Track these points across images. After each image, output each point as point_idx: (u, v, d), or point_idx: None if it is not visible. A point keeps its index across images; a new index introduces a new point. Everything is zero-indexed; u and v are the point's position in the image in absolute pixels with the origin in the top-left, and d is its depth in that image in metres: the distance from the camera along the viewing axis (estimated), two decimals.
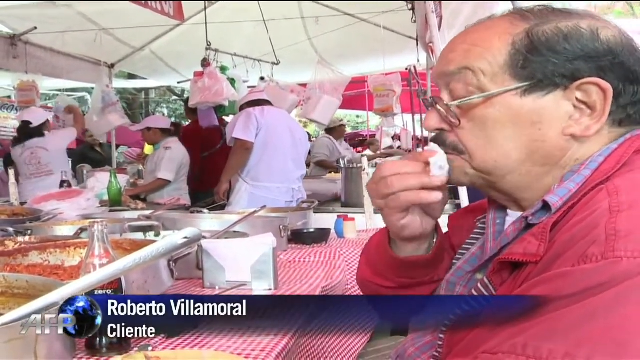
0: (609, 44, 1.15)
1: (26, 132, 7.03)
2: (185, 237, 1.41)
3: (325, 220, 4.33)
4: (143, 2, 5.53)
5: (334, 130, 9.83)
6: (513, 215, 1.27)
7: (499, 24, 1.22)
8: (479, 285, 1.18)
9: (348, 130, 23.99)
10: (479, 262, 1.31)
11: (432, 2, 4.34)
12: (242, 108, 6.09)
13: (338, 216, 4.20)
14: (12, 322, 1.26)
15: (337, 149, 9.67)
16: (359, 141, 22.89)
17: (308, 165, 10.58)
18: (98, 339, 1.56)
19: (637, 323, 0.88)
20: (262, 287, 2.31)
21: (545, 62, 1.14)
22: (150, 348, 1.57)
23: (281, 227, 3.23)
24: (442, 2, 5.12)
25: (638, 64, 1.16)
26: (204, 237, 2.40)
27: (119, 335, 1.55)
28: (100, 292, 1.53)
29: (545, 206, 1.12)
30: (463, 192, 4.42)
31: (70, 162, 8.31)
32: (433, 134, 1.28)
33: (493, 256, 1.22)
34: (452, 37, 1.31)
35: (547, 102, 1.14)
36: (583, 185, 1.11)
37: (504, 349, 0.95)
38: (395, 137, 15.89)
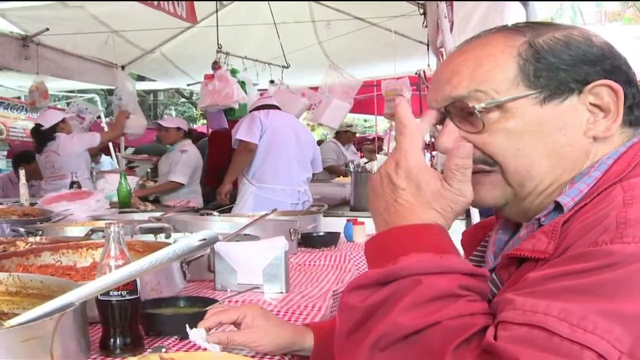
0: (604, 49, 1.20)
1: (38, 134, 7.11)
2: (202, 240, 1.41)
3: (333, 224, 4.33)
4: (155, 3, 5.54)
5: (340, 134, 9.82)
6: (524, 226, 1.28)
7: (494, 40, 1.23)
8: (489, 282, 1.19)
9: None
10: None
11: (444, 7, 4.33)
12: (250, 112, 6.15)
13: (347, 220, 4.19)
14: (29, 322, 1.26)
15: (343, 153, 9.67)
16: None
17: None
18: (112, 340, 1.57)
19: (637, 296, 0.90)
20: (273, 290, 2.31)
21: (555, 69, 1.16)
22: (163, 350, 1.57)
23: (291, 230, 3.24)
24: (454, 7, 5.12)
25: (627, 67, 1.21)
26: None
27: (132, 337, 1.58)
28: (116, 293, 1.54)
29: (557, 207, 1.14)
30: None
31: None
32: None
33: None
34: (453, 51, 1.30)
35: (566, 107, 1.17)
36: (594, 186, 1.13)
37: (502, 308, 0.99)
38: None
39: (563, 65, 1.16)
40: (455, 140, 1.21)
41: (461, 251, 1.49)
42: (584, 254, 0.97)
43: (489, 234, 1.43)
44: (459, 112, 1.21)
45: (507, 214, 1.29)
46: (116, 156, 11.39)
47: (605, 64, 1.18)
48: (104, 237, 2.68)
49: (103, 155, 11.08)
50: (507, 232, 1.36)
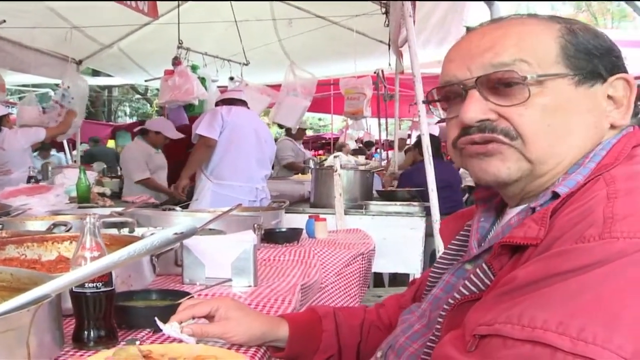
0: (619, 49, 1.27)
1: None
2: (180, 232, 1.41)
3: (293, 220, 4.34)
4: None
5: (291, 132, 9.87)
6: (511, 212, 1.32)
7: (531, 21, 1.27)
8: (478, 271, 1.21)
9: (310, 133, 24.00)
10: (467, 256, 1.37)
11: (409, 6, 4.37)
12: (216, 105, 6.13)
13: (309, 216, 4.21)
14: (6, 313, 1.25)
15: (302, 150, 9.71)
16: (322, 144, 22.95)
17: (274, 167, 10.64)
18: (86, 332, 1.55)
19: (629, 296, 0.91)
20: (242, 284, 2.31)
21: (591, 54, 1.22)
22: (137, 342, 1.57)
23: (255, 225, 3.23)
24: (416, 6, 5.18)
25: None
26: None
27: (106, 329, 1.57)
28: (91, 285, 1.53)
29: (554, 197, 1.17)
30: (433, 194, 4.45)
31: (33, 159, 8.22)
32: (476, 124, 1.25)
33: (488, 249, 1.27)
34: (481, 26, 1.32)
35: (593, 93, 1.22)
36: (588, 177, 1.16)
37: (501, 319, 0.98)
38: (358, 141, 15.98)
39: (597, 53, 1.22)
40: (484, 111, 1.24)
41: (439, 240, 1.54)
42: (570, 251, 0.99)
43: (469, 223, 1.46)
44: (497, 82, 1.22)
45: (509, 191, 1.31)
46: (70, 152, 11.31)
47: (621, 59, 1.26)
48: (66, 231, 2.69)
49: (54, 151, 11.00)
50: (489, 219, 1.40)
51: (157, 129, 7.27)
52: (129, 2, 5.67)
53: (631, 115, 1.27)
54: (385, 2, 6.63)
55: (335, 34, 8.36)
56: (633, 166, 1.14)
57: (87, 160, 10.58)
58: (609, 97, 1.24)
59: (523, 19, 1.29)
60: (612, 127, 1.24)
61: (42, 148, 11.40)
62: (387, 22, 6.73)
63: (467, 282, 1.23)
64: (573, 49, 1.21)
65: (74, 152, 11.47)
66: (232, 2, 7.05)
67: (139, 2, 5.82)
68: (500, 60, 1.22)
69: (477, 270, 1.21)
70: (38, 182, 5.50)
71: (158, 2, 6.30)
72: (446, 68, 1.32)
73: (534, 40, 1.22)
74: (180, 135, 7.21)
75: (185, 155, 6.66)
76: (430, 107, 1.41)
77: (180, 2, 7.03)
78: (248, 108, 6.25)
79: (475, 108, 1.23)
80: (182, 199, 5.87)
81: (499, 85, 1.22)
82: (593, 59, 1.22)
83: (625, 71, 1.25)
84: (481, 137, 1.24)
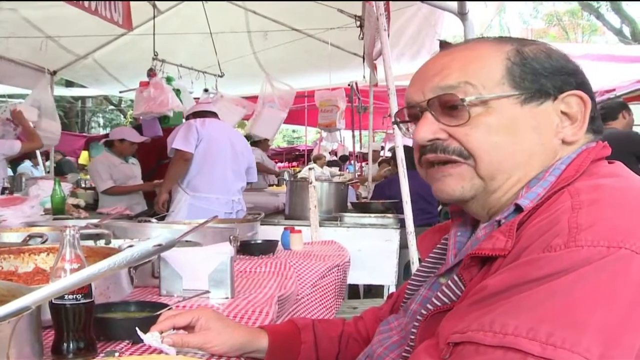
0: (577, 66, 1.33)
1: None
2: (158, 245, 1.42)
3: (268, 232, 4.35)
4: (93, 8, 5.47)
5: (260, 143, 9.88)
6: (481, 226, 1.36)
7: (483, 44, 1.34)
8: (450, 282, 1.26)
9: (284, 144, 24.01)
10: (442, 268, 1.41)
11: (384, 20, 4.41)
12: (187, 118, 6.12)
13: (285, 228, 4.22)
14: None
15: (267, 160, 9.76)
16: (295, 156, 22.97)
17: None
18: (65, 344, 1.56)
19: (595, 302, 0.95)
20: (219, 296, 2.32)
21: (538, 74, 1.27)
22: (116, 354, 1.58)
23: (231, 237, 3.24)
24: (390, 19, 5.22)
25: (590, 86, 1.33)
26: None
27: (85, 341, 1.57)
28: (71, 296, 1.54)
29: (517, 210, 1.22)
30: (407, 206, 4.47)
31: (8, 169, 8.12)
32: (427, 144, 1.33)
33: (459, 262, 1.31)
34: (436, 53, 1.39)
35: (541, 110, 1.27)
36: (549, 190, 1.21)
37: (473, 327, 1.03)
38: (332, 153, 16.02)
39: (545, 72, 1.27)
40: (434, 131, 1.30)
41: (414, 252, 1.57)
42: (538, 260, 1.03)
43: (446, 237, 1.50)
44: (444, 104, 1.29)
45: (472, 208, 1.36)
46: (43, 164, 11.24)
47: (577, 77, 1.30)
48: (42, 243, 2.69)
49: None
50: (465, 233, 1.44)
51: (120, 137, 7.21)
52: (103, 14, 5.66)
53: (593, 130, 1.32)
54: (359, 15, 6.67)
55: (310, 47, 8.41)
56: (597, 180, 1.19)
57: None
58: (563, 113, 1.29)
59: (474, 44, 1.37)
60: (566, 142, 1.29)
61: (33, 156, 11.37)
62: (361, 35, 6.78)
63: (439, 294, 1.28)
64: (519, 70, 1.27)
65: (47, 163, 11.38)
66: (208, 14, 7.06)
67: (113, 13, 5.81)
68: (447, 83, 1.29)
69: (449, 282, 1.26)
70: (12, 193, 5.46)
71: (133, 13, 6.29)
72: (408, 91, 1.40)
73: (479, 64, 1.29)
74: (144, 138, 7.20)
75: (156, 166, 6.65)
76: (400, 126, 1.47)
77: (155, 10, 7.03)
78: (219, 119, 6.25)
79: (426, 129, 1.31)
80: (161, 211, 5.86)
81: (446, 107, 1.29)
82: (540, 79, 1.27)
83: (582, 87, 1.30)
84: (435, 158, 1.32)
